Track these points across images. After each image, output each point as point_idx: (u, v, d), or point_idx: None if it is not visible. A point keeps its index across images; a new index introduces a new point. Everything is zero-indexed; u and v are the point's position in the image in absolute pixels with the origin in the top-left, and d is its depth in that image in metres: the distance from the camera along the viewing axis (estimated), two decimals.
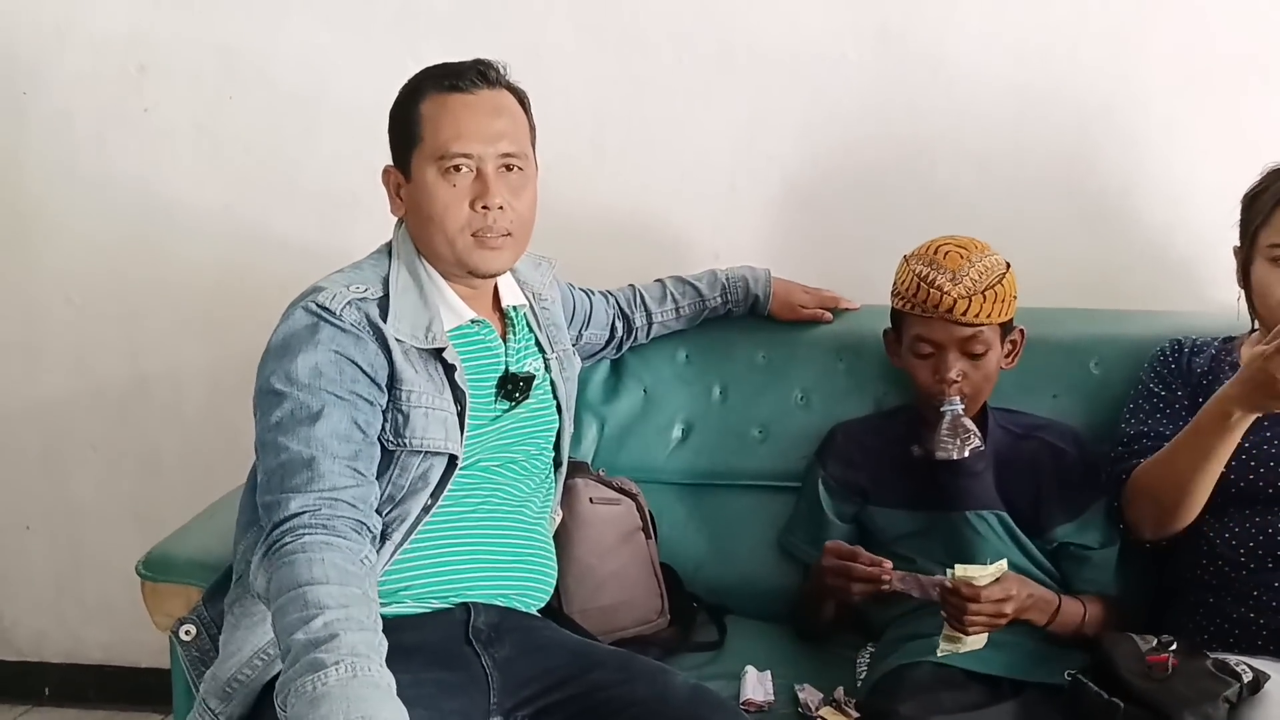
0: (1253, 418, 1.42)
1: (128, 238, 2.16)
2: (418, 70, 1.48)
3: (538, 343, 1.58)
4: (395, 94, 1.48)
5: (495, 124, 1.43)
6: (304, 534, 1.25)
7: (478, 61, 1.45)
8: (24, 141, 2.15)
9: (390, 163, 1.49)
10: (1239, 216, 1.58)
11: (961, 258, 1.57)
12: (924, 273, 1.57)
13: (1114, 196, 1.92)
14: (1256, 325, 1.56)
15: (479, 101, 1.43)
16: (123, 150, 2.13)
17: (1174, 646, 1.36)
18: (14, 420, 2.28)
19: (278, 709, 1.15)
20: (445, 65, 1.46)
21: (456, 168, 1.42)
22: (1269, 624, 1.46)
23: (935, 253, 1.59)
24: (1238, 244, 1.59)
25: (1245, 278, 1.57)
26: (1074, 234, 1.92)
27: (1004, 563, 1.46)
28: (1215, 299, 1.82)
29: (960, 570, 1.43)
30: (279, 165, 2.10)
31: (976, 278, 1.56)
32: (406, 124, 1.45)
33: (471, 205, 1.43)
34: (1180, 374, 1.61)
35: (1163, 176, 1.90)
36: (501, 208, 1.43)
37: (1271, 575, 1.47)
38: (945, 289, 1.55)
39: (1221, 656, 1.37)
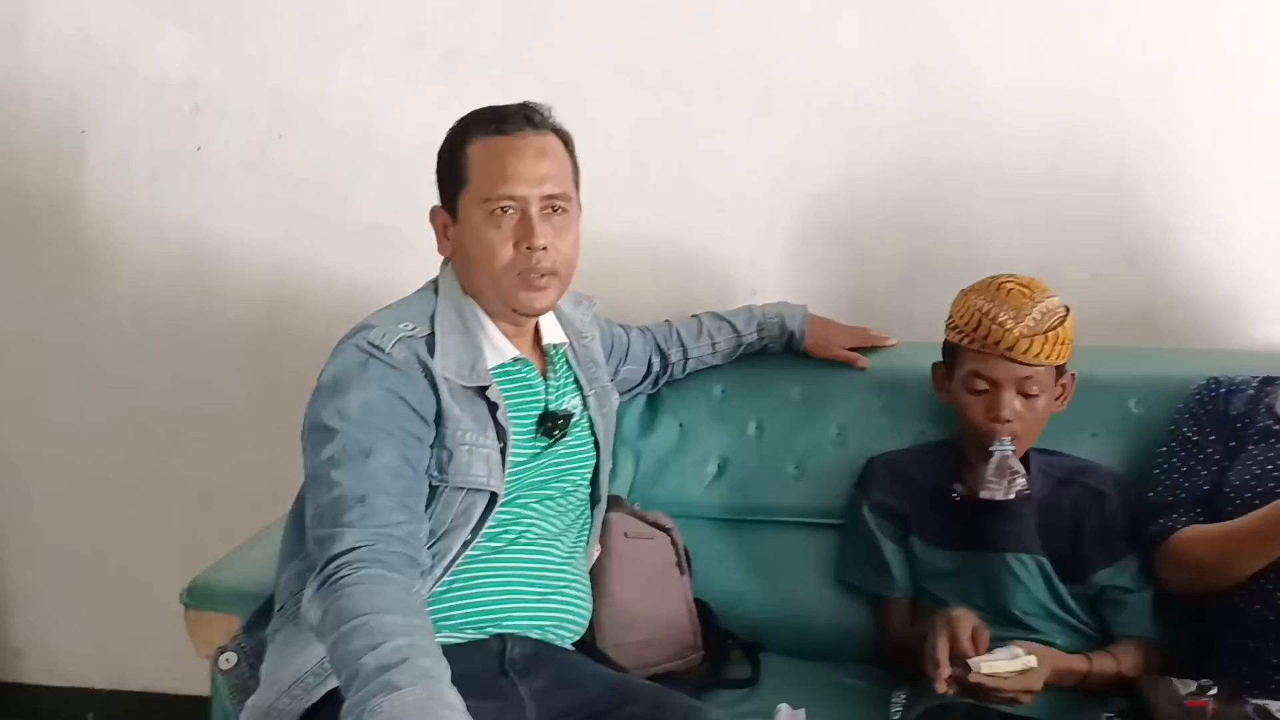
0: None
1: (179, 272, 2.22)
2: (462, 111, 1.51)
3: (576, 380, 1.60)
4: (440, 134, 1.51)
5: (540, 167, 1.45)
6: (361, 568, 1.27)
7: (523, 105, 1.48)
8: (83, 179, 2.22)
9: (437, 203, 1.52)
10: None
11: (1024, 296, 1.56)
12: (985, 308, 1.56)
13: (1155, 235, 1.91)
14: None
15: (524, 145, 1.45)
16: (176, 188, 2.19)
17: (1214, 691, 1.34)
18: (67, 450, 2.34)
19: None
20: (491, 109, 1.49)
21: (503, 209, 1.45)
22: None
23: (998, 289, 1.58)
24: None
25: None
26: (1114, 272, 1.91)
27: (1032, 659, 1.42)
28: (1258, 338, 1.81)
29: (988, 667, 1.40)
30: (326, 203, 2.15)
31: (1039, 317, 1.55)
32: (454, 167, 1.48)
33: (516, 246, 1.45)
34: (1215, 416, 1.59)
35: (1204, 215, 1.89)
36: (545, 248, 1.45)
37: None
38: (1007, 326, 1.54)
39: (1262, 702, 1.35)
